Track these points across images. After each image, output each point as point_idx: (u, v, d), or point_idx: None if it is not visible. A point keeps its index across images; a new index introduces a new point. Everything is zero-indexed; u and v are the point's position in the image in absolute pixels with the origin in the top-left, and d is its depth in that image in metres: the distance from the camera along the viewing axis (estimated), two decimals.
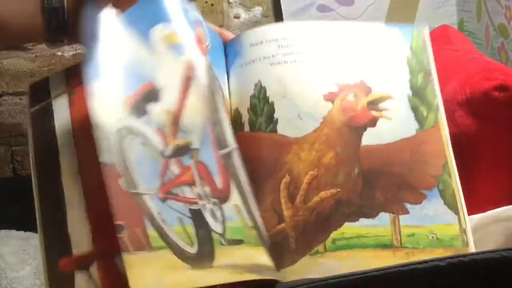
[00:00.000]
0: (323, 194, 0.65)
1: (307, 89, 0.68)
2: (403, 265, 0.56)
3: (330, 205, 0.64)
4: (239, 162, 0.64)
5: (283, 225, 0.65)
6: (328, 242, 0.64)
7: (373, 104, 0.68)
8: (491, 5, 1.09)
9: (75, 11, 0.70)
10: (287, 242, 0.64)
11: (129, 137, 0.62)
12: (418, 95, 0.69)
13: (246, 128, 0.69)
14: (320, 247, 0.64)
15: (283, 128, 0.67)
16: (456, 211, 0.65)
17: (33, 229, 0.75)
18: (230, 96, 0.71)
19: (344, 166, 0.65)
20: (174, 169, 0.62)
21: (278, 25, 0.78)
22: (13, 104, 1.08)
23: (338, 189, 0.65)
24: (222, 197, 0.62)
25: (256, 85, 0.69)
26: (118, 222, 0.60)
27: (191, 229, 0.61)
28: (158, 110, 0.63)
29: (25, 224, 0.84)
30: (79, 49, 1.08)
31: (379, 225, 0.64)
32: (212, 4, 1.09)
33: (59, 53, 1.08)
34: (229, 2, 1.11)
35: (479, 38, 1.16)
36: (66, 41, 0.72)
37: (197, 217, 0.61)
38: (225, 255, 0.60)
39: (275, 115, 0.68)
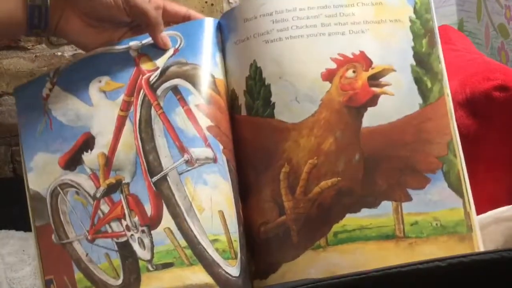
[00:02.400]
0: (323, 184, 0.63)
1: (304, 68, 0.66)
2: (404, 266, 0.56)
3: (331, 195, 0.63)
4: (177, 180, 0.64)
5: (284, 217, 0.64)
6: (330, 235, 0.63)
7: (374, 79, 0.65)
8: (491, 5, 1.09)
9: (59, 10, 0.70)
10: (288, 236, 0.64)
11: (64, 192, 0.68)
12: (422, 64, 0.66)
13: (243, 111, 0.68)
14: (322, 241, 0.63)
15: (280, 113, 0.66)
16: (461, 194, 0.63)
17: None
18: (227, 75, 0.70)
19: (344, 152, 0.64)
20: (104, 208, 0.66)
21: None
22: (13, 104, 1.08)
23: (339, 178, 0.63)
24: (152, 223, 0.64)
25: (251, 65, 0.67)
26: (47, 277, 0.66)
27: (117, 261, 0.64)
28: (92, 156, 0.68)
29: (25, 224, 0.84)
30: (79, 48, 1.08)
31: (381, 214, 0.62)
32: (212, 4, 1.09)
33: (59, 53, 1.07)
34: (229, 2, 1.11)
35: (479, 38, 1.16)
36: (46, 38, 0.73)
37: (124, 248, 0.65)
38: (152, 281, 0.62)
39: (272, 99, 0.66)
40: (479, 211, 0.67)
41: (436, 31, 0.67)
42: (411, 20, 0.67)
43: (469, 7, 1.19)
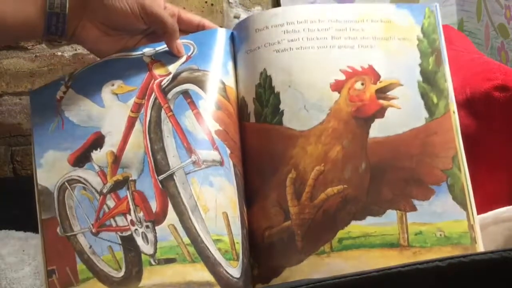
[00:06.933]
0: (329, 191, 0.64)
1: (313, 78, 0.67)
2: (404, 266, 0.56)
3: (336, 202, 0.64)
4: (183, 179, 0.65)
5: (289, 222, 0.64)
6: (334, 241, 0.63)
7: (382, 92, 0.66)
8: (491, 5, 1.09)
9: (76, 18, 0.71)
10: (293, 241, 0.64)
11: (71, 187, 0.68)
12: (428, 81, 0.67)
13: (252, 119, 0.68)
14: (326, 247, 0.63)
15: (289, 121, 0.66)
16: (464, 206, 0.64)
17: (33, 229, 0.75)
18: (237, 84, 0.71)
19: (351, 161, 0.64)
20: (110, 203, 0.67)
21: (284, 9, 0.76)
22: (13, 104, 1.08)
23: (345, 186, 0.64)
24: (157, 219, 0.64)
25: (261, 73, 0.68)
26: (50, 268, 0.67)
27: (120, 254, 0.65)
28: (101, 154, 0.69)
29: (25, 224, 0.84)
30: (79, 49, 1.08)
31: (386, 223, 0.63)
32: (212, 4, 1.09)
33: (59, 53, 1.08)
34: (229, 2, 1.11)
35: (479, 38, 1.16)
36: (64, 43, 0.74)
37: (127, 242, 0.65)
38: (153, 275, 0.63)
39: (281, 106, 0.67)
40: (479, 211, 0.67)
41: (444, 51, 0.69)
42: (418, 39, 0.69)
43: (469, 7, 1.19)
